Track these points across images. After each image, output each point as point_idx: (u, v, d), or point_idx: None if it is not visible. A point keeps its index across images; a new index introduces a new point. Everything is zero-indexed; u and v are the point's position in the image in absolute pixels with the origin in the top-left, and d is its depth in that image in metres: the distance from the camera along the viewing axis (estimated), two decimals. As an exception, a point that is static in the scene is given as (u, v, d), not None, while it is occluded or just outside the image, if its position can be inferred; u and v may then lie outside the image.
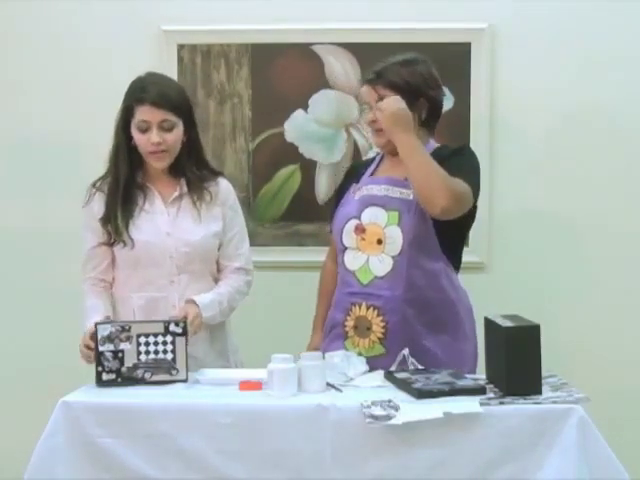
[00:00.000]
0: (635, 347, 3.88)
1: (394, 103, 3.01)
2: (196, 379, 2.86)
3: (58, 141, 3.93)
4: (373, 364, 2.98)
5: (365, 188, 3.17)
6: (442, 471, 2.55)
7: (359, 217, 3.12)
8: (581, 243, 3.88)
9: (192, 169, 3.16)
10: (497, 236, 3.88)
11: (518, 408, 2.57)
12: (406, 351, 2.96)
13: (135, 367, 2.83)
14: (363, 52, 3.81)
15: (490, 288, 3.77)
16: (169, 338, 2.85)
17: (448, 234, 3.07)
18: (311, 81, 3.88)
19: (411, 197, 3.05)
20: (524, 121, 3.85)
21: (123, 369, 2.82)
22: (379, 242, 3.07)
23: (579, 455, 2.52)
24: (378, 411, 2.54)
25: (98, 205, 3.14)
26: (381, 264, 3.07)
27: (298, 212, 3.92)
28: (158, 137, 3.06)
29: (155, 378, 2.83)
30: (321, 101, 3.89)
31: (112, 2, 3.88)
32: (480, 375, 2.89)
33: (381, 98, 3.07)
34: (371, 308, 3.07)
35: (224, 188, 3.22)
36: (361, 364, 2.94)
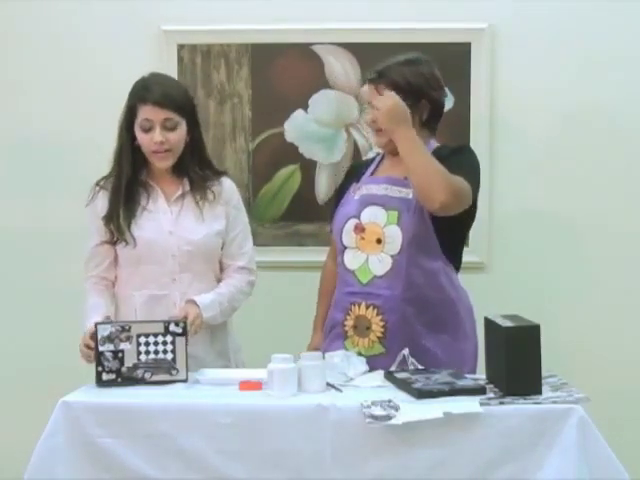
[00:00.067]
0: (635, 347, 3.88)
1: (388, 99, 2.99)
2: (196, 379, 2.86)
3: (58, 141, 3.92)
4: (373, 364, 2.97)
5: (365, 187, 3.16)
6: (442, 471, 2.55)
7: (358, 216, 3.12)
8: (581, 243, 3.88)
9: (195, 169, 3.17)
10: (497, 236, 3.88)
11: (518, 408, 2.57)
12: (406, 351, 2.95)
13: (135, 367, 2.83)
14: (363, 52, 3.80)
15: (490, 288, 3.76)
16: (169, 338, 2.85)
17: (448, 233, 3.06)
18: (311, 81, 3.87)
19: (410, 196, 3.04)
20: (524, 121, 3.85)
21: (123, 369, 2.82)
22: (378, 241, 3.07)
23: (579, 455, 2.52)
24: (378, 411, 2.54)
25: (101, 203, 3.14)
26: (380, 263, 3.07)
27: (298, 212, 3.92)
28: (161, 136, 3.06)
29: (155, 378, 2.83)
30: (321, 101, 3.89)
31: (112, 2, 3.88)
32: (480, 375, 2.89)
33: (383, 98, 3.07)
34: (370, 307, 3.07)
35: (228, 187, 3.22)
36: (361, 364, 2.94)
